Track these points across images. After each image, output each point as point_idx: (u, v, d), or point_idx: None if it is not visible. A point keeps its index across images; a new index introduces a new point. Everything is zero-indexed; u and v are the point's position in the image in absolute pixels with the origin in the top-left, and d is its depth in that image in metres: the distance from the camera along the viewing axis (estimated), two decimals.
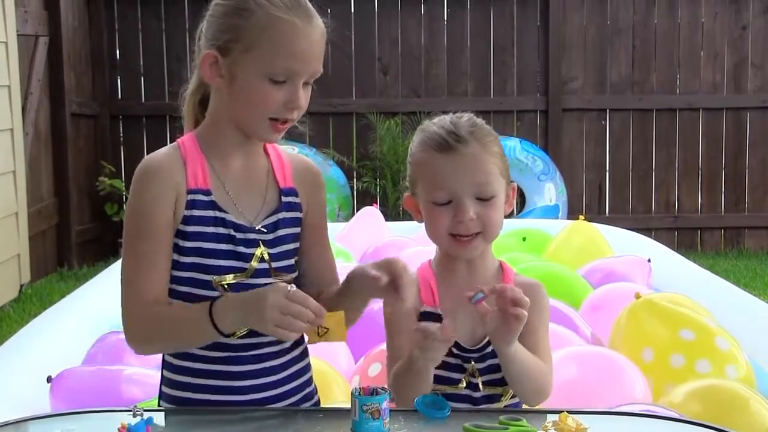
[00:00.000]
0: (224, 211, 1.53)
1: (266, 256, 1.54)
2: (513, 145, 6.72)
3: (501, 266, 1.66)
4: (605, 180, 7.31)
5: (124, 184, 7.06)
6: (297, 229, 1.61)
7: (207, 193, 1.52)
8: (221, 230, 1.52)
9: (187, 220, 1.50)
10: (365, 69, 7.22)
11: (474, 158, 1.54)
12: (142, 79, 7.23)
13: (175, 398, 1.55)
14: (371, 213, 4.74)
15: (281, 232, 1.57)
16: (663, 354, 2.44)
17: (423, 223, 1.62)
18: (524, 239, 4.30)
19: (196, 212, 1.51)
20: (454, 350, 1.57)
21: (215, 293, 1.50)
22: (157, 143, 7.27)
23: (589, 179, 7.31)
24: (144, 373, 2.33)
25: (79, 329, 2.90)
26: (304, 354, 1.63)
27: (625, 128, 7.26)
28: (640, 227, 6.53)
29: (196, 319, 1.45)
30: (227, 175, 1.55)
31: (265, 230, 1.54)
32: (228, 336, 1.47)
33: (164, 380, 1.59)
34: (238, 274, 1.52)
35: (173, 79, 7.10)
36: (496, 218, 1.56)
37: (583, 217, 4.19)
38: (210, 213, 1.51)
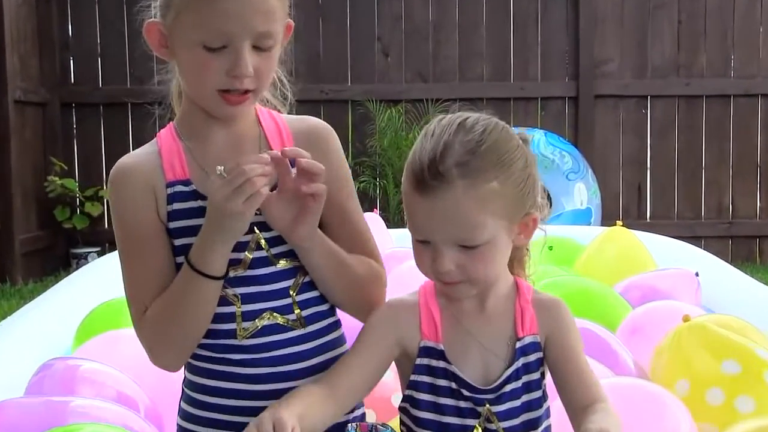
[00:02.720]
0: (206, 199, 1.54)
1: (263, 243, 1.55)
2: (537, 138, 6.72)
3: (516, 283, 1.62)
4: (646, 179, 7.31)
5: (77, 184, 7.06)
6: None
7: (186, 183, 1.55)
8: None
9: (172, 216, 1.53)
10: (363, 50, 7.23)
11: (454, 205, 1.44)
12: (99, 60, 7.24)
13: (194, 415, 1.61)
14: (370, 219, 4.71)
15: None
16: (699, 387, 2.44)
17: None
18: (550, 248, 4.29)
19: (178, 205, 1.53)
20: (465, 392, 1.54)
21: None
22: (116, 135, 7.34)
23: (627, 178, 7.31)
24: (97, 406, 2.33)
25: (21, 355, 2.90)
26: (338, 341, 1.65)
27: (670, 118, 7.26)
28: (688, 235, 6.53)
29: (183, 281, 1.49)
30: (208, 158, 1.57)
31: (258, 212, 1.52)
32: (220, 278, 1.50)
33: (183, 396, 1.64)
34: (233, 267, 1.53)
35: (136, 61, 7.11)
36: (484, 268, 1.50)
37: (620, 224, 4.18)
38: (193, 204, 1.54)
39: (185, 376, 1.63)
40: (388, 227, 4.83)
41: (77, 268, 5.19)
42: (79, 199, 7.06)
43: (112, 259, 4.47)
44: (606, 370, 2.53)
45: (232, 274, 1.54)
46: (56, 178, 6.76)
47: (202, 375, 1.59)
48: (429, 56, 7.25)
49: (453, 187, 1.44)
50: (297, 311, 1.58)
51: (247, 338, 1.55)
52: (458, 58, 7.27)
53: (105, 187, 7.06)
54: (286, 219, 1.51)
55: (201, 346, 1.57)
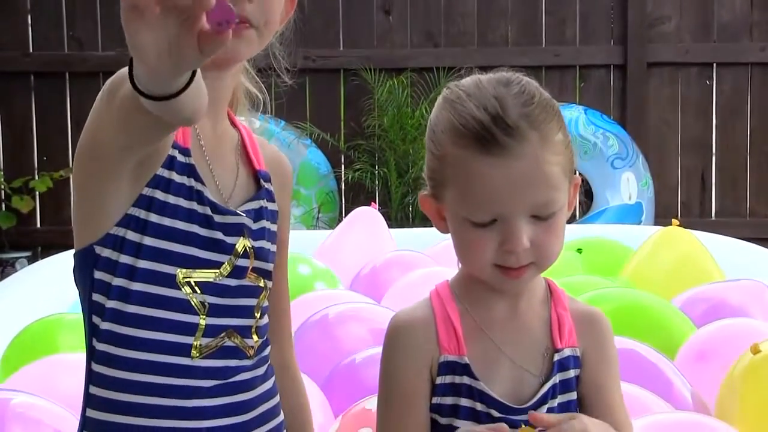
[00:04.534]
0: (202, 183, 1.60)
1: (250, 251, 1.63)
2: (575, 116, 6.73)
3: (549, 288, 1.68)
4: (710, 168, 7.33)
5: (2, 174, 7.05)
6: (275, 228, 1.72)
7: (185, 152, 1.60)
8: (196, 207, 1.59)
9: (160, 184, 1.56)
10: (358, 7, 7.23)
11: (534, 161, 1.52)
12: (30, 18, 7.24)
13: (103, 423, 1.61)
14: (367, 216, 4.74)
15: (265, 224, 1.68)
16: None
17: (449, 234, 1.63)
18: (579, 251, 4.31)
19: (176, 177, 1.57)
20: (495, 413, 1.57)
21: (178, 294, 1.57)
22: (52, 111, 7.34)
23: (687, 166, 7.32)
24: None
25: None
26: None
27: (741, 91, 7.27)
28: (762, 236, 6.53)
29: None
30: (204, 134, 1.65)
31: (246, 215, 1.63)
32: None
33: (91, 400, 1.63)
34: (212, 270, 1.60)
35: (76, 20, 7.11)
36: (556, 244, 1.57)
37: (677, 222, 4.19)
38: (186, 181, 1.58)
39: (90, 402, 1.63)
40: (389, 226, 4.84)
41: (3, 278, 5.20)
42: (5, 192, 7.07)
43: (47, 266, 4.49)
44: (660, 402, 2.54)
45: (208, 278, 1.60)
46: None
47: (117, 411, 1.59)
48: (440, 14, 7.26)
49: (529, 142, 1.51)
50: (255, 338, 1.66)
51: (201, 358, 1.59)
52: (476, 16, 7.28)
53: (36, 177, 7.07)
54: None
55: (143, 367, 1.57)
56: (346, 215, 4.99)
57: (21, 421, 2.35)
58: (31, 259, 6.74)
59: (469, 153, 1.53)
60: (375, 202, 6.52)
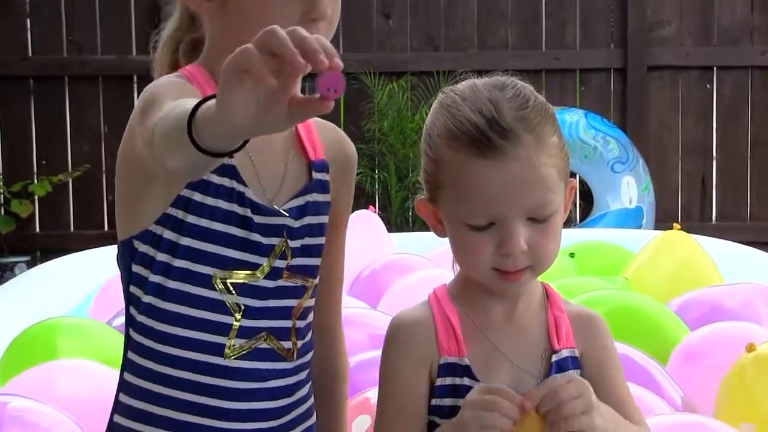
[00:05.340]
0: (244, 184, 1.61)
1: (288, 252, 1.65)
2: (575, 120, 6.73)
3: (545, 291, 1.70)
4: (711, 171, 7.33)
5: (1, 178, 7.05)
6: (326, 219, 1.73)
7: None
8: (236, 209, 1.60)
9: (199, 186, 1.58)
10: (358, 10, 7.25)
11: (529, 164, 1.54)
12: (29, 22, 7.25)
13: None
14: (366, 219, 4.74)
15: (309, 219, 1.68)
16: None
17: (446, 238, 1.66)
18: (572, 255, 4.31)
19: (215, 178, 1.59)
20: None
21: (213, 295, 1.60)
22: (51, 115, 7.33)
23: (688, 170, 7.33)
24: None
25: None
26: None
27: (741, 95, 7.28)
28: (762, 240, 6.53)
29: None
30: None
31: (289, 215, 1.63)
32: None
33: (125, 386, 1.66)
34: (249, 272, 1.62)
35: (75, 23, 7.13)
36: (553, 246, 1.60)
37: (678, 227, 4.19)
38: (226, 182, 1.60)
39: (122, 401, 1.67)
40: (388, 230, 4.84)
41: (2, 282, 5.22)
42: (4, 196, 7.08)
43: (46, 270, 4.49)
44: (648, 406, 2.55)
45: (244, 279, 1.61)
46: None
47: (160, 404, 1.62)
48: (440, 18, 7.27)
49: (523, 144, 1.53)
50: (293, 339, 1.67)
51: (235, 359, 1.61)
52: (476, 20, 7.28)
53: (35, 181, 7.07)
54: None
55: (176, 363, 1.60)
56: None
57: (18, 424, 2.35)
58: (30, 264, 6.74)
59: (464, 156, 1.55)
60: (374, 206, 6.53)
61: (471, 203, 1.56)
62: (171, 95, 1.48)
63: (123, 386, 1.65)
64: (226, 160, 1.52)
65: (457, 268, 1.68)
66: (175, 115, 1.31)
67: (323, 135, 1.76)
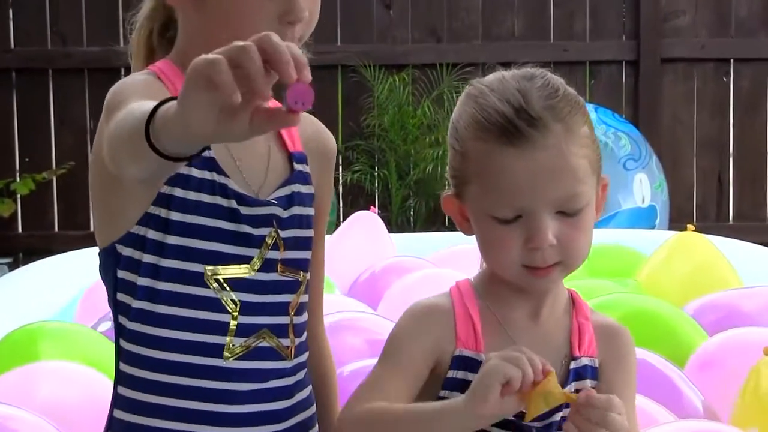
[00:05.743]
0: (225, 175, 1.63)
1: (280, 243, 1.67)
2: None
3: (571, 297, 1.72)
4: (728, 169, 7.33)
5: None
6: (311, 211, 1.76)
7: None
8: (220, 201, 1.62)
9: (179, 181, 1.59)
10: (357, 0, 7.25)
11: (558, 153, 1.56)
12: (11, 12, 7.24)
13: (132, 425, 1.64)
14: (366, 220, 4.75)
15: (297, 210, 1.71)
16: None
17: (474, 236, 1.67)
18: None
19: (195, 172, 1.60)
20: (509, 416, 1.58)
21: (207, 293, 1.61)
22: (34, 109, 7.33)
23: (703, 167, 7.33)
24: None
25: None
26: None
27: (759, 88, 7.29)
28: None
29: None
30: None
31: (277, 203, 1.67)
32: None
33: (119, 401, 1.66)
34: (241, 266, 1.63)
35: (60, 14, 7.12)
36: (584, 242, 1.62)
37: (693, 227, 4.18)
38: (207, 175, 1.62)
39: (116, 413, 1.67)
40: (389, 231, 4.84)
41: None
42: None
43: (29, 272, 4.48)
44: (667, 414, 2.56)
45: (238, 274, 1.63)
46: None
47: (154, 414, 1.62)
48: (443, 8, 7.27)
49: (552, 133, 1.56)
50: (292, 337, 1.69)
51: (235, 359, 1.62)
52: (481, 10, 7.28)
53: (18, 179, 7.06)
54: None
55: (173, 369, 1.60)
56: (344, 219, 4.98)
57: None
58: (12, 266, 6.73)
59: (492, 146, 1.57)
60: (374, 206, 6.54)
61: (498, 194, 1.58)
62: (137, 95, 1.50)
63: (117, 401, 1.66)
64: (204, 153, 1.51)
65: (483, 265, 1.70)
66: (133, 117, 1.33)
67: (302, 127, 1.77)
